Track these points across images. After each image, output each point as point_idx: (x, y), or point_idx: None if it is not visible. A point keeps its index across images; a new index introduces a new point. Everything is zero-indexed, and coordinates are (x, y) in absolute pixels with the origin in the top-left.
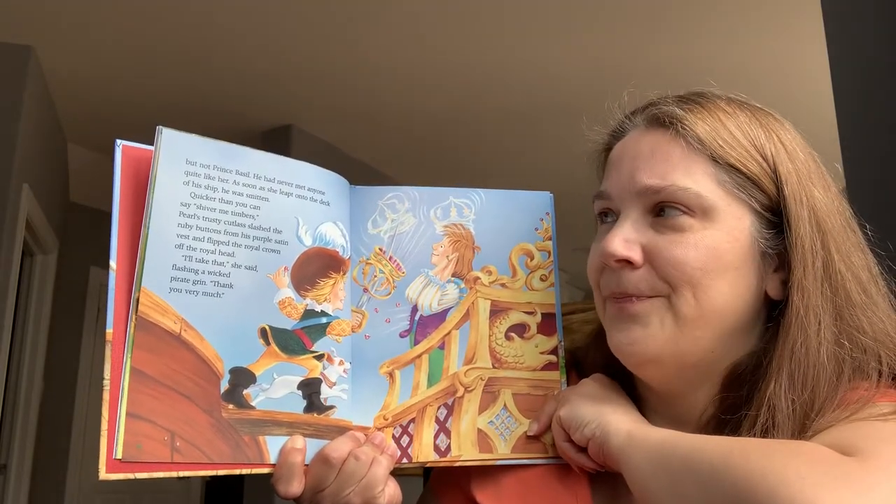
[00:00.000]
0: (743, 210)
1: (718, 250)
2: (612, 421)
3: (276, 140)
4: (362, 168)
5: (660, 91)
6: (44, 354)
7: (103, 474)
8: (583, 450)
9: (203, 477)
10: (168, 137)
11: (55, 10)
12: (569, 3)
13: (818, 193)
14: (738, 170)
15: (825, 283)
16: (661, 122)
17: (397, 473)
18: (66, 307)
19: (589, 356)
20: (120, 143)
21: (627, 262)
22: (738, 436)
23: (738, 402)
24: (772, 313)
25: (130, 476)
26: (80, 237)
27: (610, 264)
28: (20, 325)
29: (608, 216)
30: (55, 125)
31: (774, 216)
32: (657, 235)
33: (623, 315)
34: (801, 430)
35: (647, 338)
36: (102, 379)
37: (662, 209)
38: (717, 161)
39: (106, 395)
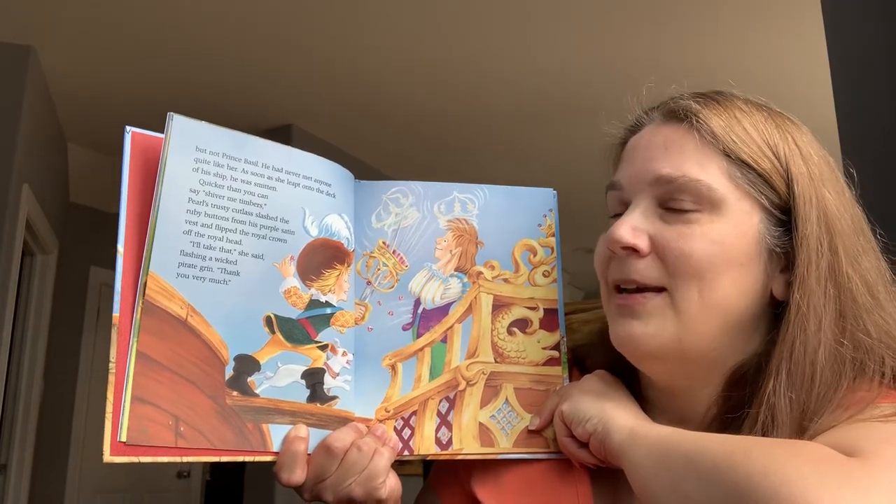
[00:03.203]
0: (752, 206)
1: (725, 244)
2: (614, 417)
3: (277, 140)
4: (363, 168)
5: (675, 88)
6: (44, 354)
7: (107, 457)
8: (584, 445)
9: (203, 476)
10: (179, 124)
11: (55, 10)
12: (570, 2)
13: (830, 196)
14: (749, 166)
15: (829, 284)
16: (676, 115)
17: (397, 470)
18: (66, 307)
19: (591, 354)
20: (129, 130)
21: (633, 251)
22: (740, 434)
23: (740, 401)
24: (776, 314)
25: (134, 459)
26: (80, 237)
27: (616, 251)
28: (20, 325)
29: (619, 210)
30: (55, 125)
31: (784, 215)
32: (665, 226)
33: (626, 311)
34: (801, 429)
35: (647, 335)
36: (108, 362)
37: (673, 200)
38: (730, 156)
39: (111, 379)
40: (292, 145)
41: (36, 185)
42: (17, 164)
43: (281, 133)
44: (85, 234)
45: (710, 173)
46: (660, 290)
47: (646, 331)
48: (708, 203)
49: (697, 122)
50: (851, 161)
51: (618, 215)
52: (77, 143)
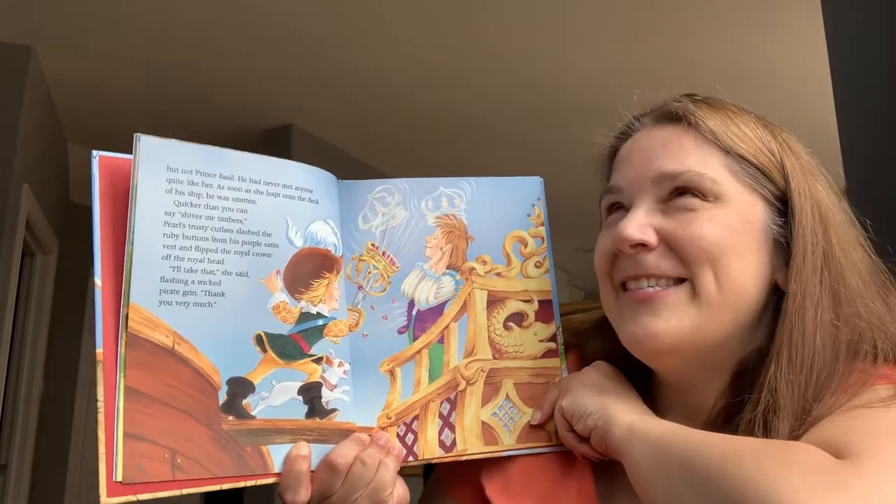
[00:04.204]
0: (755, 198)
1: (733, 228)
2: (615, 412)
3: (276, 140)
4: (364, 168)
5: (666, 92)
6: (44, 354)
7: (104, 499)
8: (585, 439)
9: None
10: (146, 144)
11: (55, 10)
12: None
13: (821, 189)
14: (748, 161)
15: (824, 271)
16: (671, 116)
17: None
18: (66, 307)
19: (589, 345)
20: (96, 155)
21: (642, 246)
22: (741, 420)
23: (743, 388)
24: (777, 304)
25: (132, 498)
26: (80, 237)
27: (625, 250)
28: (20, 325)
29: (617, 210)
30: (55, 125)
31: (784, 206)
32: (670, 219)
33: (641, 306)
34: (803, 411)
35: (669, 329)
36: (96, 401)
37: (676, 196)
38: (728, 152)
39: (101, 418)
40: (292, 145)
41: (36, 185)
42: (17, 164)
43: (281, 133)
44: (85, 234)
45: (711, 167)
46: (678, 281)
47: (667, 326)
48: (712, 195)
49: (695, 120)
50: (851, 161)
51: (616, 214)
52: (77, 143)
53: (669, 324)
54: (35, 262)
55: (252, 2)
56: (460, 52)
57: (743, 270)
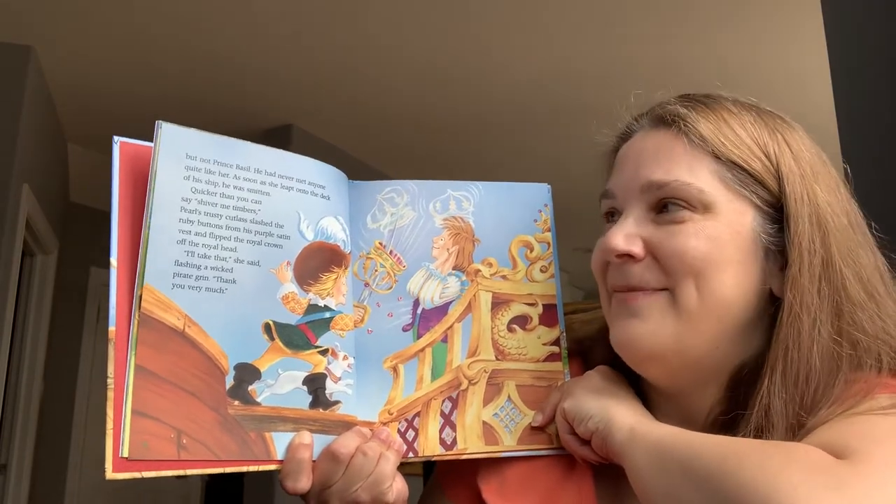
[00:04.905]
0: (745, 205)
1: (719, 241)
2: (616, 416)
3: (277, 140)
4: (364, 169)
5: (667, 91)
6: (44, 354)
7: (110, 474)
8: (586, 443)
9: (203, 476)
10: (168, 132)
11: (55, 10)
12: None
13: (822, 193)
14: (740, 167)
15: (823, 281)
16: (664, 120)
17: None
18: (66, 307)
19: (595, 349)
20: (118, 140)
21: (629, 257)
22: (735, 435)
23: (737, 402)
24: (775, 314)
25: (137, 475)
26: (80, 237)
27: (611, 259)
28: (20, 325)
29: (614, 216)
30: (55, 125)
31: (778, 213)
32: (658, 229)
33: (624, 310)
34: (797, 427)
35: (647, 334)
36: (106, 378)
37: (665, 205)
38: (720, 158)
39: (110, 394)
40: (292, 145)
41: (36, 185)
42: (17, 164)
43: (281, 133)
44: (85, 234)
45: (700, 176)
46: (661, 290)
47: (646, 329)
48: (700, 205)
49: (685, 125)
50: (851, 161)
51: (612, 222)
52: (77, 143)
53: (648, 327)
54: (35, 262)
55: (252, 2)
56: (460, 52)
57: (727, 282)
